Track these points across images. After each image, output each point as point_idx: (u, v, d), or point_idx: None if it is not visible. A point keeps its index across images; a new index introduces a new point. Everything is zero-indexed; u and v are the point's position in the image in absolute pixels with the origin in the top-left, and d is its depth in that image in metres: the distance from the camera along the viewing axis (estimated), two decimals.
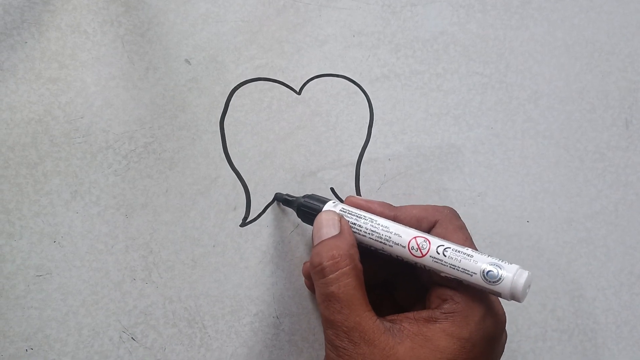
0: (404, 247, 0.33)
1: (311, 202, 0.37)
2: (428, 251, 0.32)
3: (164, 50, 0.40)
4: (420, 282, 0.37)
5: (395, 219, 0.35)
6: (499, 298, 0.33)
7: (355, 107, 0.44)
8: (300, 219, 0.39)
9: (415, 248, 0.33)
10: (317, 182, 0.42)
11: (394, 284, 0.39)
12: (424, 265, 0.33)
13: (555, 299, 0.45)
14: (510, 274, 0.31)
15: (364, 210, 0.36)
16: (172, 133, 0.40)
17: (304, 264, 0.39)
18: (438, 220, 0.35)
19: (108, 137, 0.39)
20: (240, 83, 0.41)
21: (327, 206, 0.36)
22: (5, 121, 0.37)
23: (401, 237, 0.33)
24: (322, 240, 0.33)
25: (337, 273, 0.32)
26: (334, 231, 0.34)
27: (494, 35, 0.46)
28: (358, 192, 0.43)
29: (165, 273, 0.39)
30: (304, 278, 0.40)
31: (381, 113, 0.44)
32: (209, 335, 0.39)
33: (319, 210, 0.36)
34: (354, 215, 0.35)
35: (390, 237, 0.33)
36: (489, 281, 0.31)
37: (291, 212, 0.41)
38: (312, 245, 0.34)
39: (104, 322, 0.38)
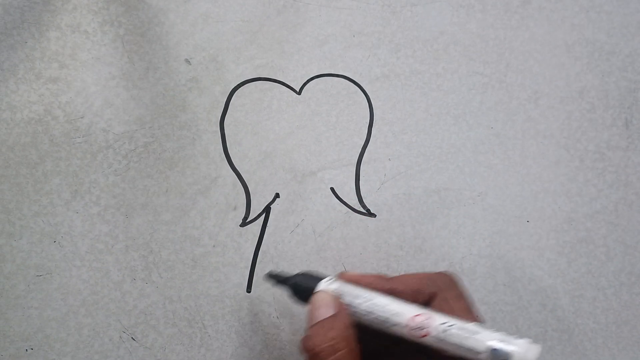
0: (405, 326, 0.31)
1: (305, 282, 0.35)
2: (430, 331, 0.30)
3: (164, 50, 0.40)
4: (425, 355, 0.34)
5: (392, 292, 0.34)
6: None
7: (356, 106, 0.44)
8: (294, 299, 0.36)
9: (416, 328, 0.31)
10: (317, 182, 0.42)
11: (397, 356, 0.37)
12: (427, 345, 0.31)
13: (556, 299, 0.45)
14: (519, 349, 0.28)
15: (359, 284, 0.34)
16: (172, 133, 0.40)
17: (301, 340, 0.35)
18: (437, 292, 0.34)
19: (108, 137, 0.39)
20: (241, 83, 0.41)
21: (322, 284, 0.34)
22: (5, 121, 0.37)
23: (400, 317, 0.31)
24: (317, 322, 0.32)
25: (332, 358, 0.30)
26: (330, 312, 0.32)
27: (494, 35, 0.46)
28: (358, 192, 0.43)
29: (166, 273, 0.39)
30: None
31: (381, 113, 0.44)
32: (209, 335, 0.39)
33: (313, 289, 0.34)
34: (350, 294, 0.33)
35: (388, 318, 0.32)
36: (498, 357, 0.29)
37: (292, 212, 0.41)
38: (308, 327, 0.33)
39: (104, 322, 0.37)
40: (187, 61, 0.41)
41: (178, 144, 0.40)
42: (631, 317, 0.47)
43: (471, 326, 0.30)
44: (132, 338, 0.38)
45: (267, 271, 0.38)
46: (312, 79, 0.43)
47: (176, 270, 0.39)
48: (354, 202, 0.43)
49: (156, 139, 0.39)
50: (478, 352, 0.29)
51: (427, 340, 0.31)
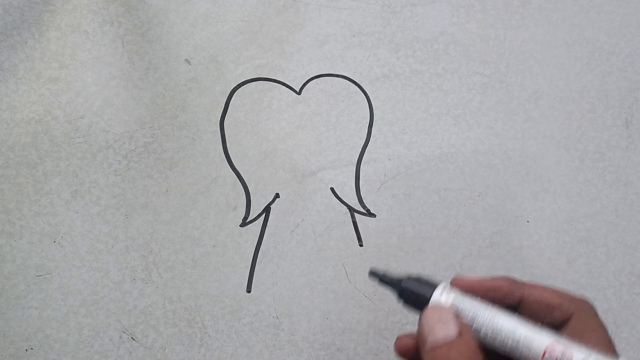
0: (537, 358, 0.27)
1: (417, 287, 0.31)
2: None
3: (164, 50, 0.40)
4: None
5: (521, 301, 0.30)
6: None
7: (356, 106, 0.44)
8: (402, 303, 0.32)
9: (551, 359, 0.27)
10: (317, 182, 0.42)
11: None
12: None
13: None
14: None
15: (479, 293, 0.30)
16: (172, 133, 0.40)
17: (397, 338, 0.32)
18: (574, 314, 0.29)
19: (108, 137, 0.39)
20: (241, 83, 0.41)
21: (437, 294, 0.30)
22: (5, 121, 0.37)
23: (531, 344, 0.27)
24: (439, 346, 0.28)
25: None
26: (451, 331, 0.28)
27: (494, 35, 0.46)
28: (358, 192, 0.43)
29: (165, 273, 0.39)
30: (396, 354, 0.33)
31: (381, 113, 0.44)
32: (209, 335, 0.39)
33: (426, 297, 0.30)
34: (470, 310, 0.29)
35: (517, 345, 0.27)
36: None
37: (292, 212, 0.41)
38: (422, 347, 0.28)
39: (104, 322, 0.37)
40: (187, 61, 0.41)
41: (178, 144, 0.40)
42: (631, 317, 0.47)
43: None
44: (132, 338, 0.38)
45: (369, 268, 0.33)
46: (312, 79, 0.43)
47: (176, 270, 0.39)
48: (354, 202, 0.43)
49: (156, 139, 0.39)
50: None
51: None
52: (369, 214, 0.43)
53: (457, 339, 0.27)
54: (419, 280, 0.31)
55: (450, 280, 0.31)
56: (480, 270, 0.44)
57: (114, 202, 0.38)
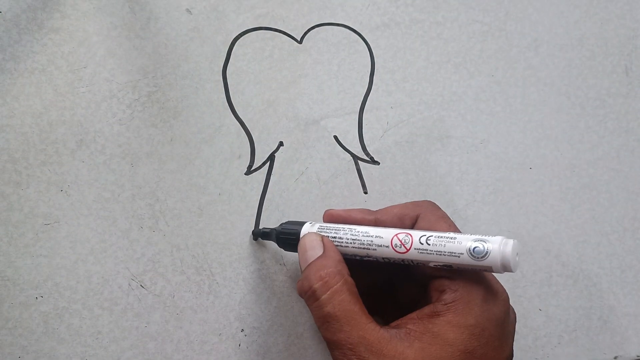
0: (387, 247, 0.33)
1: (288, 228, 0.37)
2: (411, 245, 0.32)
3: (165, 0, 0.40)
4: (416, 280, 0.36)
5: (377, 222, 0.36)
6: (497, 277, 0.33)
7: (357, 55, 0.44)
8: (282, 249, 0.39)
9: (398, 245, 0.32)
10: (320, 130, 0.42)
11: (392, 286, 0.39)
12: (412, 261, 0.32)
13: (560, 245, 0.46)
14: (495, 245, 0.30)
15: (343, 221, 0.36)
16: (175, 82, 0.40)
17: (296, 285, 0.37)
18: (419, 214, 0.35)
19: (112, 87, 0.39)
20: (242, 32, 0.42)
21: (305, 228, 0.36)
22: (9, 71, 0.37)
23: (382, 237, 0.33)
24: (309, 264, 0.33)
25: (328, 293, 0.31)
26: (318, 252, 0.34)
27: None
28: (361, 140, 0.43)
29: (172, 221, 0.39)
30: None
31: (382, 61, 0.44)
32: (217, 283, 0.39)
33: (297, 234, 0.36)
34: (332, 229, 0.35)
35: (372, 241, 0.33)
36: (477, 257, 0.30)
37: (296, 161, 0.42)
38: (301, 270, 0.34)
39: (113, 269, 0.38)
40: (188, 11, 0.41)
41: (181, 93, 0.40)
42: (635, 262, 0.47)
43: (449, 234, 0.31)
44: (141, 285, 0.38)
45: (253, 229, 0.40)
46: (312, 28, 0.43)
47: (183, 219, 0.39)
48: (357, 150, 0.43)
49: (159, 88, 0.40)
50: (459, 254, 0.30)
51: (410, 255, 0.32)
52: (373, 161, 0.43)
53: (322, 254, 0.33)
54: (290, 223, 0.38)
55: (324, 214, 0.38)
56: (484, 217, 0.45)
57: (119, 151, 0.39)
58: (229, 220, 0.40)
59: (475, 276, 0.32)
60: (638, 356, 0.46)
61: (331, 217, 0.37)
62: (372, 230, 0.34)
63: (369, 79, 0.44)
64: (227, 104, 0.41)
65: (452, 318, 0.30)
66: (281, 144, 0.42)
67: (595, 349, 0.45)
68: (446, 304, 0.31)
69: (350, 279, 0.32)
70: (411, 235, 0.32)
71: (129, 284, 0.38)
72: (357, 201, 0.42)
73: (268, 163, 0.41)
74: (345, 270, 0.33)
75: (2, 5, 0.37)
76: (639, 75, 0.48)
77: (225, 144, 0.40)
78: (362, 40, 0.44)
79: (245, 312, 0.39)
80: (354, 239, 0.34)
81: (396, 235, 0.33)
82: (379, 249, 0.33)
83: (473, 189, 0.45)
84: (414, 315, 0.32)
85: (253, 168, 0.41)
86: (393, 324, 0.32)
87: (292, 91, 0.42)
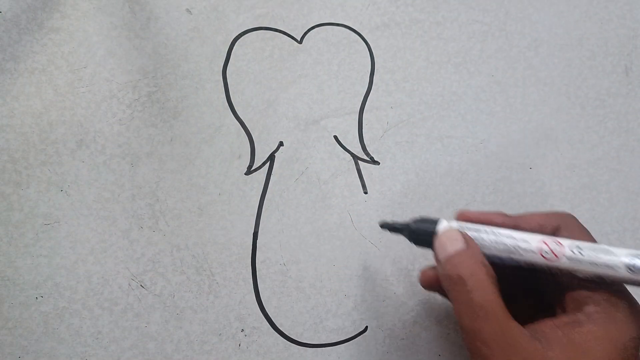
0: (534, 252, 0.32)
1: (423, 224, 0.35)
2: (563, 251, 0.31)
3: (165, 0, 0.40)
4: (544, 288, 0.35)
5: (516, 227, 0.34)
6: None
7: (357, 55, 0.44)
8: (413, 244, 0.37)
9: (547, 251, 0.31)
10: (320, 130, 0.42)
11: (516, 290, 0.37)
12: (559, 269, 0.31)
13: None
14: None
15: (481, 222, 0.35)
16: (175, 82, 0.40)
17: (421, 272, 0.37)
18: (560, 225, 0.34)
19: (112, 87, 0.39)
20: (242, 32, 0.42)
21: (444, 225, 0.35)
22: (9, 71, 0.37)
23: (529, 243, 0.32)
24: (451, 256, 0.32)
25: (477, 282, 0.31)
26: (459, 244, 0.33)
27: None
28: (361, 140, 0.43)
29: (172, 221, 0.39)
30: (422, 287, 0.37)
31: (382, 61, 0.44)
32: (217, 283, 0.39)
33: (433, 230, 0.35)
34: (472, 229, 0.34)
35: (518, 245, 0.32)
36: (635, 271, 0.29)
37: (296, 161, 0.42)
38: (439, 266, 0.33)
39: (113, 269, 0.38)
40: (188, 11, 0.41)
41: (181, 93, 0.40)
42: None
43: (602, 246, 0.30)
44: (141, 285, 0.38)
45: (378, 221, 0.38)
46: (312, 28, 0.43)
47: (183, 219, 0.39)
48: (357, 150, 0.43)
49: (159, 88, 0.40)
50: (616, 268, 0.29)
51: (559, 262, 0.31)
52: (373, 161, 0.43)
53: (465, 248, 0.32)
54: (423, 220, 0.36)
55: (454, 216, 0.36)
56: None
57: (119, 151, 0.39)
58: (229, 220, 0.40)
59: (617, 291, 0.31)
60: None
61: (467, 217, 0.36)
62: (517, 235, 0.33)
63: (369, 79, 0.44)
64: (227, 104, 0.41)
65: (595, 330, 0.29)
66: (281, 144, 0.42)
67: None
68: (588, 316, 0.30)
69: (494, 274, 0.32)
70: (562, 244, 0.31)
71: (129, 284, 0.38)
72: (357, 201, 0.42)
73: (268, 163, 0.41)
74: (489, 266, 0.32)
75: (2, 5, 0.37)
76: (639, 75, 0.48)
77: (225, 144, 0.40)
78: (362, 40, 0.44)
79: (245, 312, 0.39)
80: (497, 241, 0.33)
81: (544, 242, 0.32)
82: (525, 253, 0.32)
83: (473, 189, 0.44)
84: (549, 321, 0.31)
85: (253, 168, 0.41)
86: (527, 325, 0.31)
87: (292, 91, 0.42)
